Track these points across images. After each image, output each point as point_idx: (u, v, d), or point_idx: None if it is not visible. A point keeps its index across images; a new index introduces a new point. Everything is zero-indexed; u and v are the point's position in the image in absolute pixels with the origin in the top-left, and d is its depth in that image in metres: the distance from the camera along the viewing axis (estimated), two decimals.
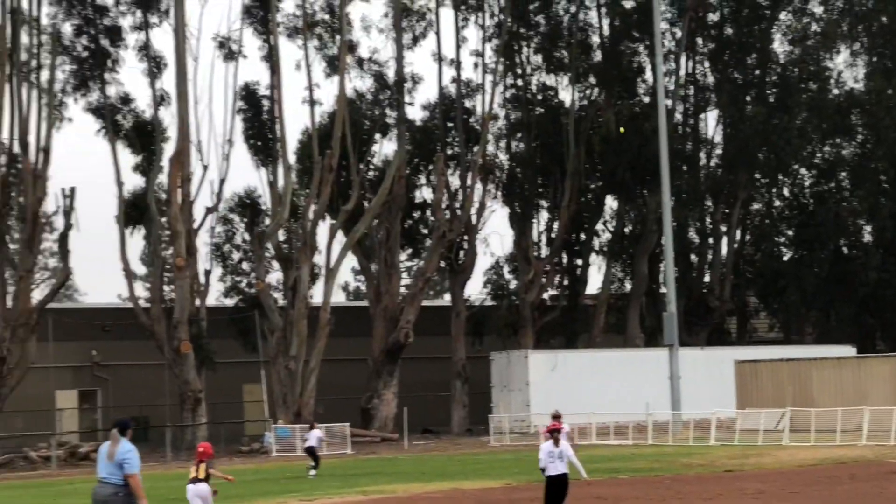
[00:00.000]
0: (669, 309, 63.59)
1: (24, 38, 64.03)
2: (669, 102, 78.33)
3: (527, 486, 34.64)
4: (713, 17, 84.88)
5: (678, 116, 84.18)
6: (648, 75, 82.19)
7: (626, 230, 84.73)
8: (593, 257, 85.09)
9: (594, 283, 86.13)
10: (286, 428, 62.47)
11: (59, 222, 68.57)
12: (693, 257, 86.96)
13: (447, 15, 79.67)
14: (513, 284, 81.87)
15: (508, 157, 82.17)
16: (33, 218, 62.94)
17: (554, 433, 23.07)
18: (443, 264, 77.64)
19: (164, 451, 59.49)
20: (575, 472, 23.54)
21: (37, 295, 67.53)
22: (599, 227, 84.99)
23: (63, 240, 65.56)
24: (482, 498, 31.03)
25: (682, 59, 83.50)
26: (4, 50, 62.65)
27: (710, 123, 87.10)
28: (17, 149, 64.64)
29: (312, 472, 43.37)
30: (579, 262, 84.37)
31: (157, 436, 68.04)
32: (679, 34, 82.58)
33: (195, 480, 23.20)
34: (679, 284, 71.96)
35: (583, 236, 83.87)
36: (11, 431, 66.18)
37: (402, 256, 78.33)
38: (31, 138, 63.43)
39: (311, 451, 44.61)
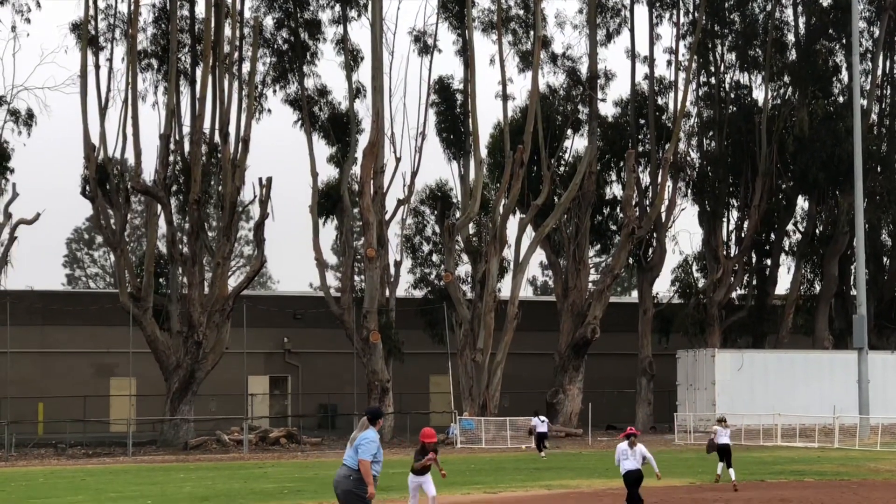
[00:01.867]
0: (859, 311, 62.60)
1: (227, 31, 65.50)
2: (865, 102, 76.98)
3: (711, 486, 34.60)
4: None
5: (874, 117, 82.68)
6: (844, 74, 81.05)
7: (817, 231, 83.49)
8: (783, 257, 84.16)
9: (783, 283, 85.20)
10: (472, 420, 63.05)
11: (255, 211, 70.11)
12: (885, 260, 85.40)
13: (641, 12, 79.32)
14: (701, 283, 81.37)
15: (699, 154, 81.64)
16: (231, 207, 64.39)
17: (630, 437, 25.79)
18: (631, 261, 77.53)
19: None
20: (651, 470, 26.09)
21: (232, 282, 69.25)
22: (790, 227, 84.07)
23: (259, 228, 66.90)
24: (665, 496, 31.07)
25: (880, 59, 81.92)
26: (209, 42, 64.27)
27: None
28: (217, 139, 66.24)
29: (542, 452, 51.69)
30: (768, 261, 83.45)
31: (344, 423, 69.27)
32: (877, 32, 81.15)
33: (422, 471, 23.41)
34: (870, 287, 70.88)
35: (773, 236, 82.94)
36: (205, 414, 67.97)
37: (591, 252, 78.39)
38: (231, 129, 64.92)
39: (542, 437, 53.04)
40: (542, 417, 53.86)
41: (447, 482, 35.24)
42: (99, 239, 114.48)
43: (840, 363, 69.17)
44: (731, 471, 34.51)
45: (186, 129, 66.83)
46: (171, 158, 66.41)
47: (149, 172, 67.41)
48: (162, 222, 67.39)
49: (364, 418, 18.83)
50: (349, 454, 18.51)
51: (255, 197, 66.55)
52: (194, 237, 64.62)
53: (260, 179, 66.24)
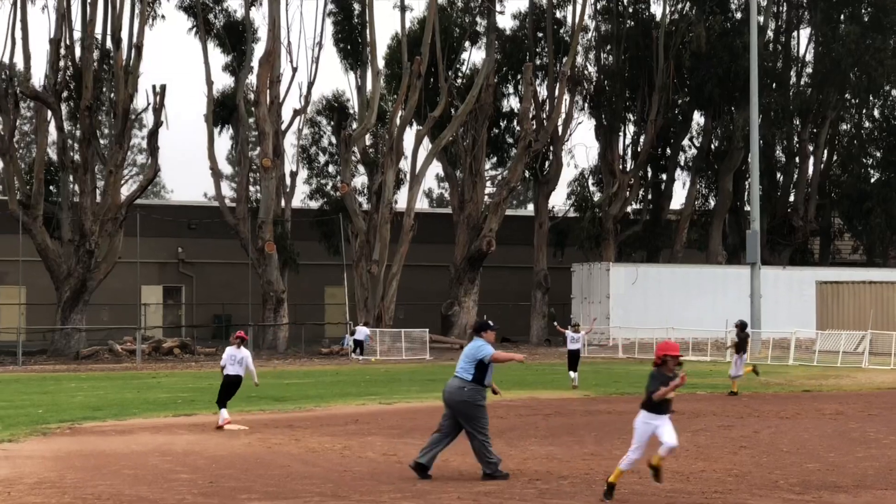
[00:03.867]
0: (753, 227, 63.31)
1: None
2: (761, 19, 77.51)
3: (605, 398, 34.95)
4: None
5: (769, 34, 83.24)
6: None
7: (713, 146, 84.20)
8: (678, 172, 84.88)
9: (678, 198, 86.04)
10: (367, 331, 63.16)
11: (148, 119, 69.34)
12: (779, 176, 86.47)
13: None
14: (596, 197, 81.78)
15: (597, 69, 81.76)
16: (124, 114, 63.55)
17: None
18: (527, 174, 77.70)
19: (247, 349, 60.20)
20: None
21: (125, 191, 68.45)
22: (685, 142, 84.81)
23: (152, 137, 66.15)
24: (560, 407, 31.33)
25: None
26: None
27: (802, 42, 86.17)
28: (109, 45, 65.21)
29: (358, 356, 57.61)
30: (664, 176, 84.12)
31: None
32: None
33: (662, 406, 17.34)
34: (763, 203, 71.69)
35: (668, 151, 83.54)
36: (98, 324, 67.37)
37: (487, 165, 78.46)
38: (124, 34, 63.92)
39: (359, 344, 59.25)
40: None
41: (343, 392, 35.26)
42: None
43: (733, 278, 70.05)
44: (576, 374, 38.99)
45: (78, 34, 65.62)
46: (62, 64, 65.22)
47: (38, 78, 66.37)
48: (52, 129, 66.38)
49: (472, 332, 19.50)
50: (462, 366, 18.91)
51: (148, 104, 65.79)
52: (86, 144, 63.69)
53: (154, 87, 65.43)
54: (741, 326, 37.12)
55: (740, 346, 36.49)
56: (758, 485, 18.09)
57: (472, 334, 19.45)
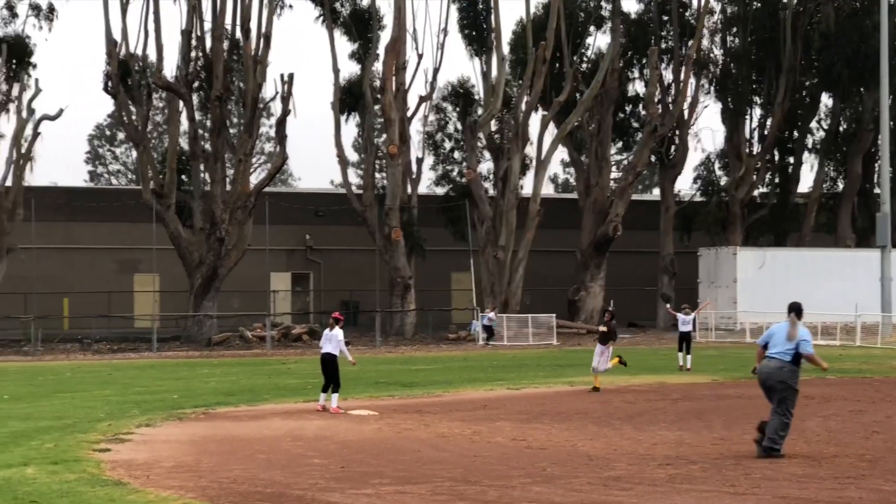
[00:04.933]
0: (883, 209, 62.43)
1: None
2: None
3: (733, 382, 34.78)
4: None
5: None
6: None
7: (841, 128, 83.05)
8: (806, 155, 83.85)
9: (806, 181, 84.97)
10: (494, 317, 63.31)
11: (276, 108, 70.09)
12: None
13: None
14: (723, 181, 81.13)
15: (723, 51, 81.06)
16: (253, 103, 64.36)
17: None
18: (653, 158, 77.27)
19: (374, 335, 60.80)
20: None
21: (254, 179, 69.33)
22: (813, 124, 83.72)
23: (280, 125, 66.90)
24: (688, 392, 31.28)
25: None
26: None
27: None
28: (238, 35, 66.05)
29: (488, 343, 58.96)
30: (791, 159, 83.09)
31: (366, 320, 69.58)
32: None
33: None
34: (894, 185, 70.40)
35: (796, 134, 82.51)
36: (228, 311, 68.32)
37: (613, 150, 78.17)
38: (253, 24, 64.70)
39: (488, 329, 60.08)
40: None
41: (471, 378, 35.48)
42: (121, 135, 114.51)
43: (862, 261, 69.12)
44: (689, 357, 39.59)
45: (208, 25, 66.59)
46: (193, 54, 66.30)
47: (170, 69, 67.45)
48: (184, 119, 67.40)
49: (792, 314, 19.96)
50: (784, 348, 19.62)
51: (276, 93, 66.57)
52: (216, 134, 64.66)
53: (282, 76, 66.21)
54: (612, 314, 34.17)
55: (607, 336, 33.04)
56: (891, 470, 17.93)
57: (794, 318, 19.97)
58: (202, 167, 66.99)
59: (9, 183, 60.98)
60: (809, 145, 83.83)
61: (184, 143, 69.06)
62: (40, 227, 67.99)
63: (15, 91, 63.97)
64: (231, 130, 72.32)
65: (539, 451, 20.15)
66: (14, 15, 65.74)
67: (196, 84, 67.29)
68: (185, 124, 67.84)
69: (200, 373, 41.22)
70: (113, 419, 24.99)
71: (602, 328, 33.49)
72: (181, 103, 66.18)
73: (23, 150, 61.67)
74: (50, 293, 69.94)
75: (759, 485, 16.43)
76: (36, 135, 62.27)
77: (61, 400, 30.14)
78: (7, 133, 62.25)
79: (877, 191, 74.46)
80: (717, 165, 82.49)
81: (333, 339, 27.12)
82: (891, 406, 27.55)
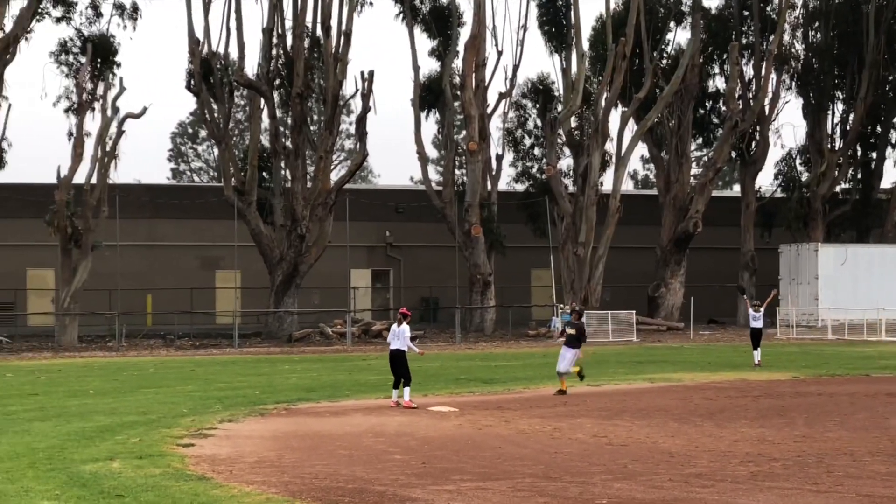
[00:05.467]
0: None
1: None
2: None
3: (814, 379, 34.56)
4: None
5: None
6: None
7: None
8: (889, 150, 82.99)
9: (889, 176, 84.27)
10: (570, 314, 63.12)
11: (356, 105, 70.37)
12: None
13: None
14: (804, 176, 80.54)
15: (804, 46, 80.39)
16: (333, 100, 64.66)
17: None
18: (733, 155, 76.85)
19: (453, 331, 60.92)
20: None
21: (334, 176, 69.64)
22: None
23: (360, 122, 67.17)
24: (769, 389, 31.12)
25: None
26: None
27: None
28: (319, 32, 66.37)
29: None
30: (874, 154, 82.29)
31: (446, 317, 69.71)
32: None
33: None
34: None
35: (878, 129, 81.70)
36: (309, 307, 68.69)
37: (693, 146, 77.83)
38: (333, 22, 64.97)
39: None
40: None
41: (552, 374, 35.47)
42: (203, 133, 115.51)
43: None
44: (758, 352, 39.80)
45: (289, 23, 67.04)
46: (274, 52, 66.74)
47: (252, 66, 67.92)
48: (265, 116, 67.85)
49: None
50: None
51: (356, 90, 66.85)
52: (297, 131, 65.05)
53: (362, 73, 66.50)
54: (579, 314, 31.70)
55: (576, 339, 30.04)
56: None
57: None
58: (283, 164, 67.40)
59: (94, 181, 61.62)
60: (892, 140, 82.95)
61: (265, 140, 69.51)
62: (124, 224, 68.70)
63: (100, 90, 64.65)
64: (311, 128, 72.65)
65: (620, 447, 20.15)
66: (99, 14, 66.43)
67: (277, 82, 67.74)
68: (266, 122, 68.30)
69: (281, 369, 41.52)
70: (196, 414, 25.26)
71: (570, 330, 30.08)
72: (262, 101, 66.63)
73: (107, 148, 62.31)
74: (134, 290, 70.67)
75: (842, 483, 16.34)
76: (120, 133, 62.87)
77: (145, 395, 30.50)
78: (92, 131, 62.95)
79: None
80: (798, 161, 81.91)
81: (401, 335, 27.30)
82: None
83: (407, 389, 27.13)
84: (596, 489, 15.83)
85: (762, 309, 41.06)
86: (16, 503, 14.74)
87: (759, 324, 40.16)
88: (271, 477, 17.02)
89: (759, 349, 39.94)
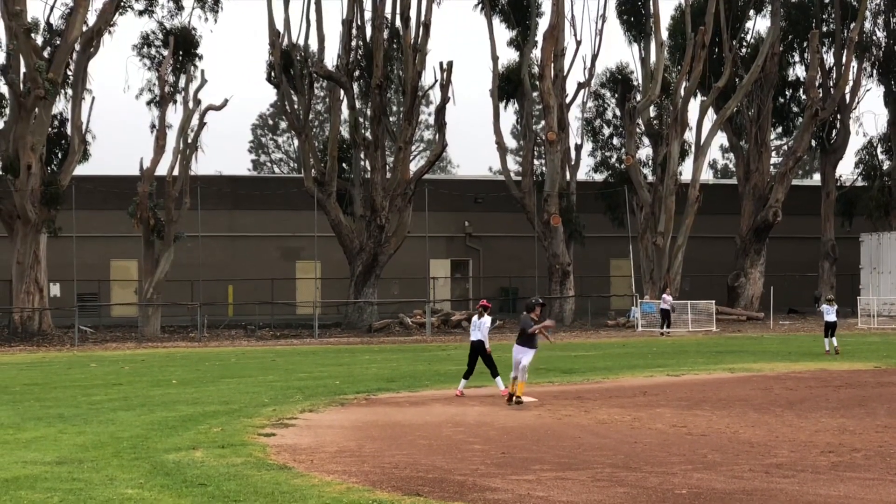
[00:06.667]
0: None
1: None
2: None
3: (895, 369, 34.31)
4: None
5: None
6: None
7: None
8: None
9: None
10: (652, 303, 63.05)
11: (435, 96, 70.48)
12: None
13: None
14: (885, 165, 79.75)
15: (886, 34, 79.56)
16: (412, 91, 64.83)
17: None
18: (814, 143, 76.28)
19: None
20: None
21: (413, 166, 69.82)
22: None
23: (440, 112, 67.32)
24: (850, 379, 30.90)
25: None
26: None
27: None
28: (398, 24, 66.55)
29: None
30: None
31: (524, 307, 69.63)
32: None
33: None
34: None
35: None
36: (388, 297, 68.94)
37: (773, 135, 77.30)
38: (412, 13, 65.15)
39: (665, 314, 57.74)
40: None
41: (630, 364, 35.45)
42: (283, 124, 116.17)
43: None
44: (835, 339, 40.88)
45: (368, 15, 67.28)
46: (354, 44, 67.01)
47: (331, 58, 68.33)
48: (344, 107, 68.13)
49: None
50: None
51: (435, 81, 66.97)
52: (376, 122, 65.28)
53: (441, 64, 66.62)
54: (541, 307, 25.75)
55: (530, 338, 25.37)
56: None
57: None
58: (362, 155, 67.68)
59: (176, 172, 62.22)
60: None
61: (344, 131, 69.81)
62: (206, 215, 69.32)
63: (182, 82, 65.29)
64: (391, 119, 72.95)
65: (699, 437, 20.12)
66: (180, 7, 67.06)
67: (356, 73, 68.01)
68: (345, 113, 68.58)
69: (361, 359, 41.72)
70: (277, 404, 25.46)
71: (537, 324, 25.37)
72: (342, 92, 66.93)
73: (189, 140, 62.88)
74: (215, 280, 71.28)
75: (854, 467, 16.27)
76: (202, 125, 63.40)
77: (227, 385, 30.78)
78: (174, 123, 63.58)
79: None
80: (879, 150, 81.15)
81: (482, 327, 27.41)
82: None
83: (498, 379, 27.29)
84: (676, 479, 15.83)
85: (835, 304, 42.00)
86: (101, 492, 14.96)
87: (832, 317, 41.24)
88: (351, 466, 17.12)
89: (834, 337, 40.46)
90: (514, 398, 25.25)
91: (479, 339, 27.41)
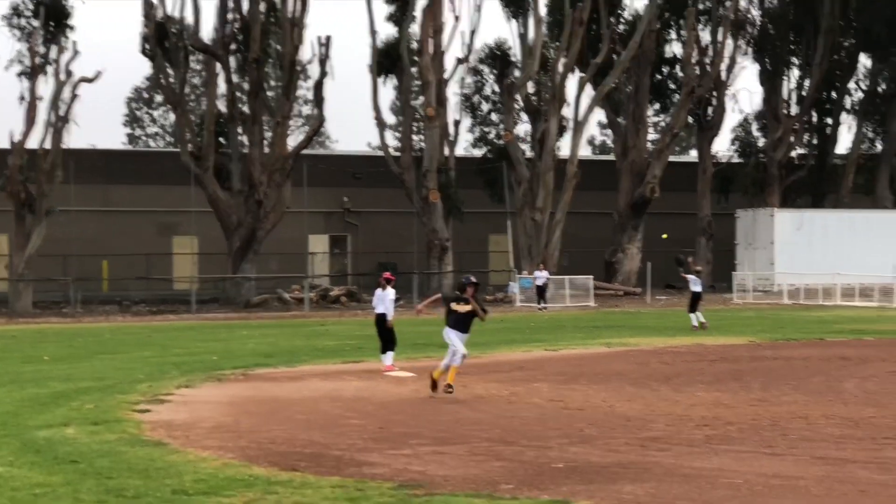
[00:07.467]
0: None
1: None
2: None
3: (770, 343, 34.72)
4: None
5: None
6: None
7: (880, 89, 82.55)
8: (844, 116, 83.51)
9: (844, 142, 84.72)
10: (530, 279, 63.27)
11: (314, 70, 70.09)
12: None
13: None
14: (761, 142, 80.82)
15: (761, 12, 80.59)
16: (290, 65, 64.40)
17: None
18: (691, 120, 77.04)
19: (411, 297, 60.87)
20: None
21: (292, 142, 69.42)
22: (851, 85, 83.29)
23: (318, 88, 66.99)
24: (725, 353, 31.24)
25: None
26: None
27: None
28: None
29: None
30: (829, 120, 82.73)
31: (403, 282, 69.48)
32: None
33: None
34: None
35: (834, 94, 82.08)
36: (267, 273, 68.51)
37: (650, 111, 78.01)
38: None
39: (541, 291, 57.37)
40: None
41: (508, 339, 35.54)
42: (158, 98, 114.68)
43: None
44: (700, 314, 41.17)
45: None
46: (230, 17, 66.32)
47: (208, 31, 67.46)
48: (221, 81, 67.48)
49: None
50: None
51: (314, 56, 66.57)
52: (254, 96, 64.78)
53: (319, 38, 66.22)
54: (475, 287, 23.10)
55: (472, 315, 23.02)
56: None
57: None
58: (240, 130, 67.10)
59: (47, 145, 61.23)
60: (848, 106, 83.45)
61: (221, 105, 69.14)
62: (79, 189, 68.29)
63: (53, 54, 64.17)
64: (269, 93, 72.36)
65: (576, 412, 20.18)
66: None
67: (233, 46, 67.32)
68: (222, 87, 67.98)
69: (239, 334, 41.42)
70: (152, 380, 25.13)
71: (465, 306, 22.77)
72: (218, 66, 66.25)
73: (61, 113, 61.89)
74: (89, 255, 70.30)
75: (797, 446, 16.42)
76: (74, 97, 62.43)
77: (101, 361, 30.36)
78: (45, 96, 62.51)
79: None
80: (754, 127, 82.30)
81: (385, 299, 27.24)
82: None
83: (391, 354, 27.09)
84: (552, 453, 15.83)
85: (699, 275, 42.73)
86: None
87: (699, 288, 41.74)
88: (228, 442, 16.94)
89: (697, 312, 40.71)
90: (445, 386, 22.00)
91: (382, 313, 27.23)
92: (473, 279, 23.35)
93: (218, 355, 31.78)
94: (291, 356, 31.47)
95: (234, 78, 67.46)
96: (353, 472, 14.56)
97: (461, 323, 22.63)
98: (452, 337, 22.55)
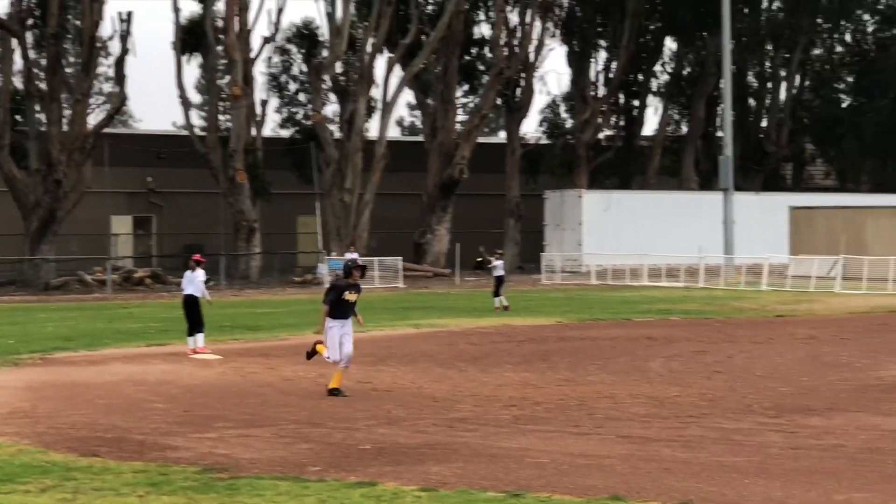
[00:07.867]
0: (725, 152, 63.26)
1: None
2: None
3: (578, 323, 34.99)
4: None
5: None
6: None
7: (685, 72, 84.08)
8: (650, 98, 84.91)
9: (650, 124, 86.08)
10: (339, 260, 62.94)
11: (115, 47, 68.76)
12: (751, 102, 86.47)
13: None
14: (569, 123, 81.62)
15: None
16: (90, 42, 62.97)
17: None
18: (499, 101, 77.42)
19: (219, 279, 60.16)
20: None
21: (93, 120, 67.94)
22: (657, 68, 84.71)
23: (119, 65, 65.75)
24: (533, 334, 31.38)
25: None
26: None
27: None
28: None
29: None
30: (636, 102, 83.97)
31: (211, 264, 68.64)
32: None
33: None
34: (736, 128, 71.51)
35: (640, 77, 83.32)
36: (67, 254, 66.98)
37: (459, 93, 78.18)
38: None
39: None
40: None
41: (315, 321, 35.12)
42: None
43: (706, 204, 69.88)
44: (503, 298, 41.22)
45: None
46: None
47: (2, 5, 65.68)
48: (17, 57, 65.60)
49: None
50: None
51: (115, 32, 65.30)
52: (52, 72, 63.22)
53: (120, 14, 64.97)
54: (362, 271, 21.79)
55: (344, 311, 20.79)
56: (732, 409, 18.16)
57: None
58: (37, 107, 65.39)
59: None
60: (654, 89, 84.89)
61: (17, 82, 67.26)
62: None
63: None
64: (68, 70, 70.71)
65: (384, 393, 20.04)
66: None
67: (30, 21, 65.47)
68: (18, 63, 66.05)
69: (37, 317, 40.39)
70: None
71: (355, 295, 20.98)
72: (14, 41, 64.45)
73: None
74: None
75: (603, 425, 16.51)
76: None
77: None
78: None
79: (719, 134, 75.47)
80: (562, 108, 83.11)
81: (195, 281, 27.06)
82: (732, 346, 27.90)
83: (200, 336, 26.88)
84: (360, 434, 15.68)
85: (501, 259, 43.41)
86: None
87: (501, 272, 42.40)
88: (24, 428, 16.48)
89: (501, 297, 41.39)
90: (336, 391, 19.75)
91: (191, 294, 27.01)
92: (360, 263, 22.00)
93: (14, 339, 30.90)
94: (92, 339, 30.74)
95: (31, 54, 65.69)
96: (157, 456, 14.29)
97: (350, 310, 20.68)
98: (345, 340, 20.24)
